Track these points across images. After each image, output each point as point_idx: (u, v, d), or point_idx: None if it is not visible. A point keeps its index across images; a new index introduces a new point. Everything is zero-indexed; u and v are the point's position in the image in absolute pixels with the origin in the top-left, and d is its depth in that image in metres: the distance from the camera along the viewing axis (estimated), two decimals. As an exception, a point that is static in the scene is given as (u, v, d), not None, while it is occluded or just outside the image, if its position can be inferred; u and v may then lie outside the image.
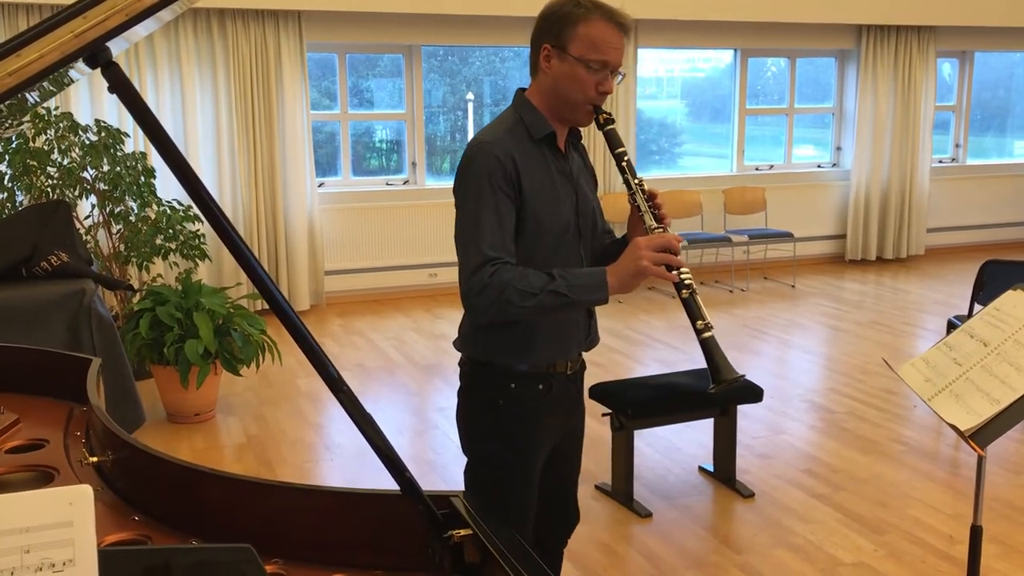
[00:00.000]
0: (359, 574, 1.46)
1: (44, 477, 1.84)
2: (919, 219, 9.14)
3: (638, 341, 6.28)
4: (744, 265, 8.36)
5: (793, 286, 8.02)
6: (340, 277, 7.37)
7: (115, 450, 1.83)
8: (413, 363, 5.81)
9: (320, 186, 7.28)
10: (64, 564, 0.89)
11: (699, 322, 1.89)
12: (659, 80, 9.50)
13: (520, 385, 2.11)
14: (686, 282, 1.91)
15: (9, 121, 1.45)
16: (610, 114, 2.07)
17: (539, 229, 2.04)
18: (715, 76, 9.29)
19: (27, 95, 1.28)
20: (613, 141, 2.04)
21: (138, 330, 4.58)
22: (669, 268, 1.93)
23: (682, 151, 9.52)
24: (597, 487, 3.99)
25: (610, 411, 3.86)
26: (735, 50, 8.61)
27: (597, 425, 4.56)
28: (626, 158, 2.04)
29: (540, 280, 1.93)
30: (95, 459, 1.83)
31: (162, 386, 4.79)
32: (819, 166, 9.13)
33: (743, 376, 1.91)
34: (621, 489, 3.86)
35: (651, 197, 2.03)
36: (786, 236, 8.15)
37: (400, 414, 5.00)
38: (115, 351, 3.12)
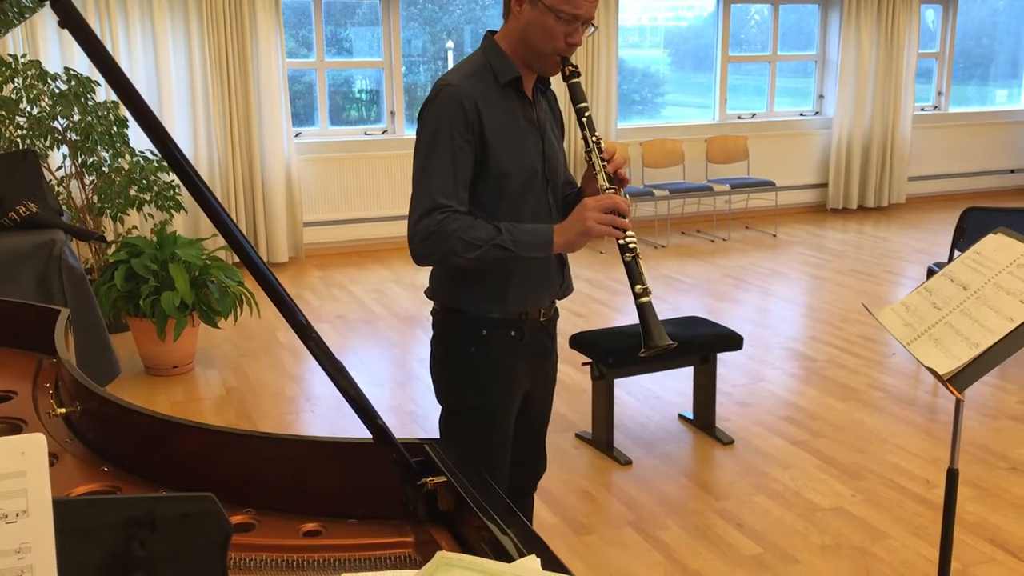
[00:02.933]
0: (333, 523, 1.44)
1: (12, 429, 1.80)
2: (901, 167, 9.13)
3: (618, 291, 6.26)
4: (726, 215, 8.34)
5: (775, 235, 8.01)
6: (319, 229, 7.30)
7: (83, 401, 1.80)
8: (394, 315, 5.78)
9: (297, 136, 7.18)
10: (18, 515, 0.86)
11: (638, 286, 1.94)
12: (642, 29, 9.39)
13: (492, 332, 2.09)
14: (630, 245, 1.96)
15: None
16: (576, 67, 2.04)
17: (503, 174, 2.02)
18: (698, 25, 9.19)
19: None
20: (576, 95, 2.03)
21: (113, 282, 4.52)
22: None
23: (665, 101, 9.45)
24: (578, 435, 4.00)
25: (590, 360, 3.85)
26: (718, -4, 8.50)
27: (577, 374, 4.57)
28: (587, 114, 2.03)
29: (486, 232, 1.95)
30: (63, 410, 1.80)
31: (139, 339, 4.75)
32: (801, 115, 9.08)
33: (674, 344, 1.96)
34: (601, 437, 3.86)
35: (609, 157, 2.01)
36: (768, 185, 8.13)
37: (381, 366, 4.99)
38: (87, 303, 3.07)
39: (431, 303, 2.19)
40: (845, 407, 4.29)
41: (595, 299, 6.05)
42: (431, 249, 1.96)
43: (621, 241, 1.95)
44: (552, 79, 2.18)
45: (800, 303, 6.16)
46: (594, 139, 2.01)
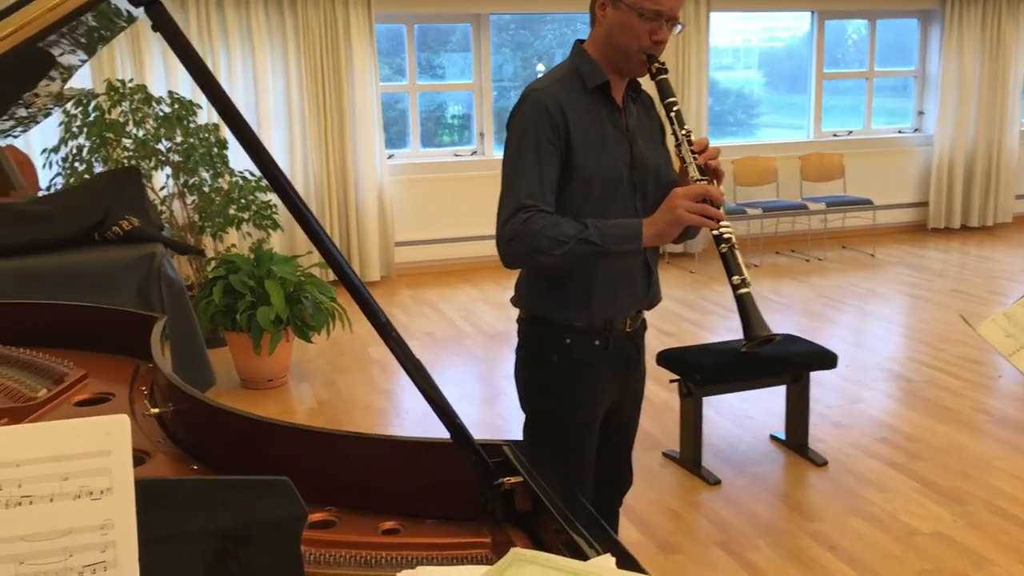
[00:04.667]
0: (411, 522, 1.45)
1: (109, 429, 1.86)
2: (1007, 185, 8.78)
3: (710, 311, 6.17)
4: (821, 234, 8.14)
5: (872, 255, 7.79)
6: (410, 248, 7.40)
7: (176, 402, 1.86)
8: (481, 332, 5.81)
9: (390, 158, 7.31)
10: (102, 492, 0.89)
11: (735, 277, 1.84)
12: (736, 50, 9.29)
13: (575, 340, 2.08)
14: (725, 235, 1.87)
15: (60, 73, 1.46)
16: (663, 64, 2.01)
17: (587, 178, 2.01)
18: (793, 45, 9.03)
19: (78, 38, 1.29)
20: (664, 91, 2.00)
21: (212, 297, 4.67)
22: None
23: (759, 122, 9.30)
24: (665, 454, 3.94)
25: (678, 377, 3.79)
26: (812, 12, 8.34)
27: (664, 392, 4.50)
28: (675, 108, 1.99)
29: (573, 228, 1.92)
30: (156, 411, 1.86)
31: (236, 352, 4.88)
32: (900, 132, 8.82)
33: (778, 336, 1.84)
34: (689, 456, 3.80)
35: (700, 149, 1.96)
36: (865, 203, 7.91)
37: (468, 382, 5.01)
38: (185, 313, 3.18)
39: (517, 322, 2.20)
40: (946, 429, 4.12)
41: (685, 318, 5.97)
42: (518, 249, 1.95)
43: (715, 231, 1.87)
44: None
45: (899, 323, 5.95)
46: (683, 132, 1.97)
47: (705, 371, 3.70)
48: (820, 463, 3.80)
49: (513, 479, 1.39)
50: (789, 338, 4.03)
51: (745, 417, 4.32)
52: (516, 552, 1.13)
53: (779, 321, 5.89)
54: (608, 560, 1.12)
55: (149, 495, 0.89)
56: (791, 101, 9.05)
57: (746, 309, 1.81)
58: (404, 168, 7.39)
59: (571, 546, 1.21)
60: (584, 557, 1.18)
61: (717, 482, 3.67)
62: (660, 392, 4.53)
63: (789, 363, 3.84)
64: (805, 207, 7.81)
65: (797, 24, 8.69)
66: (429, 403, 1.39)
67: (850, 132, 8.66)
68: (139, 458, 1.66)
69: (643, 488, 3.56)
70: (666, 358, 3.85)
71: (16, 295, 2.78)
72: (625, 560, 1.14)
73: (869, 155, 8.51)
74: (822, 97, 8.53)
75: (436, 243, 7.46)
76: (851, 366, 4.94)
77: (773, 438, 4.08)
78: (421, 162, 7.51)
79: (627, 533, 3.24)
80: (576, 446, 2.12)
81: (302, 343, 4.94)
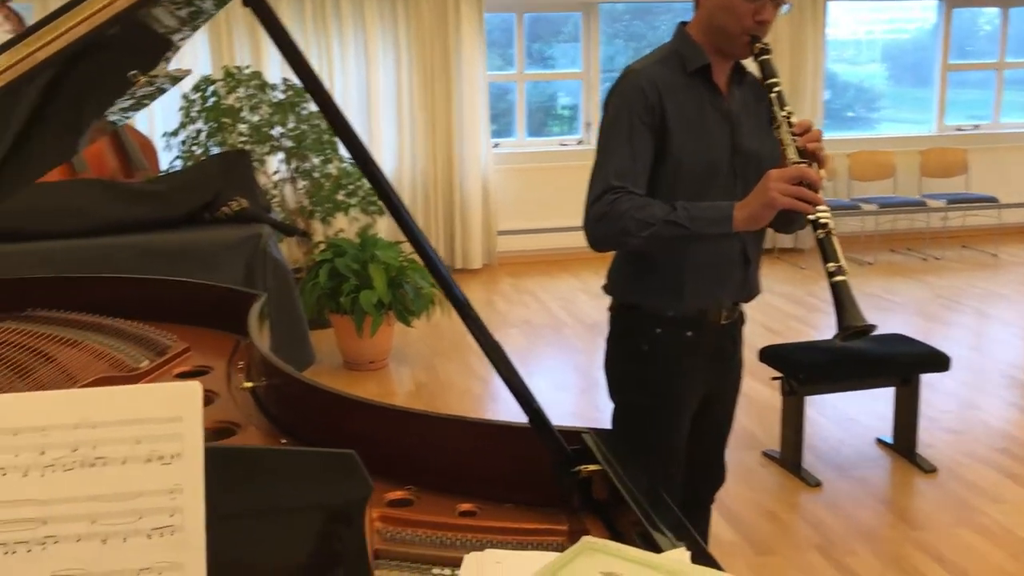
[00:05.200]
0: (489, 506, 1.44)
1: (204, 401, 1.92)
2: None
3: (817, 308, 5.98)
4: (940, 232, 7.78)
5: (995, 255, 7.40)
6: (512, 237, 7.41)
7: (269, 377, 1.90)
8: (580, 322, 5.78)
9: (495, 147, 7.33)
10: (172, 457, 0.90)
11: (831, 264, 1.73)
12: (858, 43, 8.95)
13: (667, 331, 2.03)
14: (821, 220, 1.76)
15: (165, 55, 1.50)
16: (767, 45, 1.94)
17: (682, 163, 1.95)
18: (920, 37, 8.64)
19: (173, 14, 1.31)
20: (766, 71, 1.92)
21: (318, 280, 4.78)
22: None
23: (880, 116, 8.95)
24: (764, 453, 3.83)
25: (780, 375, 3.68)
26: (939, 1, 7.97)
27: (766, 390, 4.37)
28: (777, 89, 1.91)
29: (661, 210, 1.87)
30: (250, 384, 1.90)
31: (339, 334, 4.99)
32: (1032, 126, 8.35)
33: (874, 326, 1.72)
34: (789, 457, 3.68)
35: (801, 131, 1.87)
36: (989, 201, 7.52)
37: (565, 372, 4.99)
38: (287, 293, 3.26)
39: (608, 311, 2.16)
40: (1070, 441, 3.88)
41: (791, 315, 5.80)
42: (605, 231, 1.92)
43: (811, 216, 1.78)
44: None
45: (1022, 327, 5.64)
46: (783, 114, 1.89)
47: (809, 369, 3.58)
48: (929, 469, 3.63)
49: (591, 467, 1.37)
50: (899, 338, 3.87)
51: (849, 419, 4.17)
52: (586, 540, 1.11)
53: (892, 321, 5.65)
54: (682, 554, 1.08)
55: (215, 462, 0.90)
56: (915, 95, 8.67)
57: (840, 298, 1.71)
58: (509, 157, 7.40)
59: (647, 538, 1.18)
60: (659, 550, 1.14)
61: (818, 484, 3.55)
62: (762, 390, 4.40)
63: (898, 364, 3.68)
64: (924, 204, 7.49)
65: (924, 15, 8.32)
66: (507, 385, 1.37)
67: (976, 126, 8.25)
68: (229, 430, 1.70)
69: (740, 487, 3.47)
70: (769, 355, 3.74)
71: (134, 270, 2.91)
72: (701, 556, 1.10)
73: (996, 150, 8.09)
74: (947, 90, 8.14)
75: (539, 232, 7.45)
76: (968, 370, 4.71)
77: (879, 441, 3.92)
78: (527, 151, 7.50)
79: (721, 532, 3.17)
80: (664, 438, 2.08)
81: (403, 327, 5.01)
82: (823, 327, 5.53)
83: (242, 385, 1.91)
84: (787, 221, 1.98)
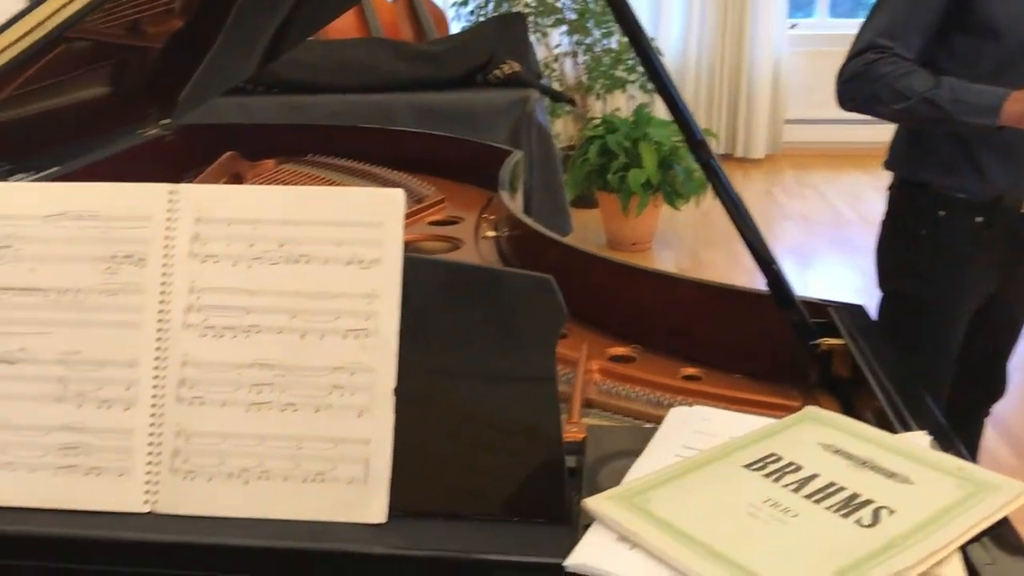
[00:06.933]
0: (715, 373, 1.35)
1: (451, 247, 1.95)
2: None
3: None
4: None
5: None
6: (800, 127, 6.93)
7: (511, 228, 1.89)
8: (865, 220, 5.34)
9: (792, 27, 6.83)
10: (371, 263, 0.89)
11: None
12: None
13: (951, 214, 1.77)
14: None
15: None
16: None
17: (990, 30, 1.64)
18: None
19: None
20: None
21: (587, 156, 4.75)
22: None
23: None
24: (1063, 377, 3.39)
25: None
26: None
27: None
28: None
29: (922, 84, 1.61)
30: (492, 234, 1.91)
31: (605, 213, 4.95)
32: None
33: None
34: (1094, 384, 3.23)
35: None
36: None
37: (843, 271, 4.67)
38: (550, 159, 3.25)
39: (888, 190, 1.94)
40: None
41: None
42: (854, 92, 1.72)
43: None
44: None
45: None
46: None
47: None
48: None
49: (833, 341, 1.23)
50: None
51: None
52: (810, 409, 1.00)
53: None
54: (922, 438, 0.94)
55: (412, 271, 0.88)
56: None
57: None
58: (807, 39, 6.86)
59: (883, 418, 1.04)
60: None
61: None
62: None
63: None
64: None
65: None
66: (747, 246, 1.25)
67: None
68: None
69: (1027, 408, 3.11)
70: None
71: (410, 125, 3.03)
72: (949, 446, 0.95)
73: None
74: None
75: (830, 123, 6.89)
76: None
77: None
78: (827, 33, 6.92)
79: (1000, 454, 2.86)
80: (934, 335, 1.85)
81: (670, 210, 4.89)
82: None
83: (486, 234, 1.92)
84: None
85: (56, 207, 0.92)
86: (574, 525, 0.83)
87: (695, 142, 1.19)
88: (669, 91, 1.18)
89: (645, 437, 0.95)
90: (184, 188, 0.92)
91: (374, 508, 0.85)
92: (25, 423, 0.89)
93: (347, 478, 0.85)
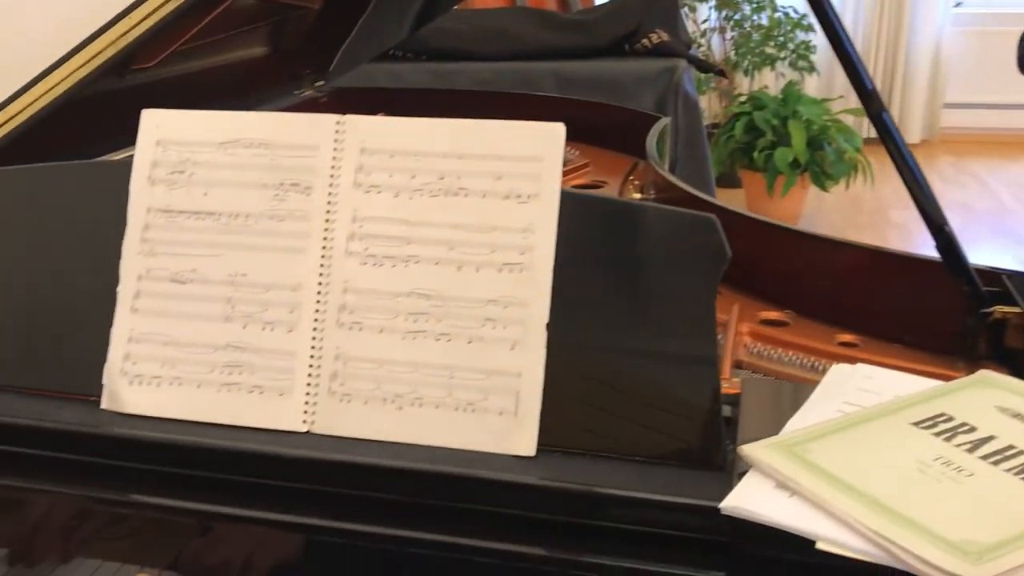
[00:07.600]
0: (874, 341, 1.29)
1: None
2: None
3: None
4: None
5: None
6: (960, 112, 6.56)
7: (657, 191, 1.86)
8: (1031, 211, 5.04)
9: (957, 5, 6.46)
10: (529, 197, 0.89)
11: None
12: None
13: None
14: None
15: None
16: None
17: None
18: None
19: None
20: None
21: (733, 133, 4.62)
22: None
23: None
24: None
25: None
26: None
27: None
28: None
29: None
30: (638, 196, 1.88)
31: (749, 192, 4.83)
32: None
33: None
34: None
35: None
36: None
37: (1006, 263, 4.39)
38: (695, 129, 3.19)
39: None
40: None
41: None
42: None
43: None
44: None
45: None
46: None
47: None
48: None
49: (1008, 309, 1.15)
50: None
51: None
52: (984, 373, 0.94)
53: None
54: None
55: (569, 206, 0.87)
56: None
57: None
58: (972, 18, 6.48)
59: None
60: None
61: None
62: None
63: None
64: None
65: None
66: (917, 206, 1.19)
67: None
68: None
69: None
70: None
71: (555, 93, 3.03)
72: None
73: None
74: None
75: (995, 108, 6.51)
76: None
77: None
78: (996, 12, 6.52)
79: None
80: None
81: (818, 192, 4.72)
82: None
83: (632, 196, 1.90)
84: None
85: (229, 135, 0.95)
86: (729, 473, 0.80)
87: (865, 92, 1.13)
88: (837, 31, 1.11)
89: (803, 393, 0.92)
90: (351, 119, 0.94)
91: (524, 440, 0.85)
92: (193, 341, 0.93)
93: (497, 409, 0.85)
